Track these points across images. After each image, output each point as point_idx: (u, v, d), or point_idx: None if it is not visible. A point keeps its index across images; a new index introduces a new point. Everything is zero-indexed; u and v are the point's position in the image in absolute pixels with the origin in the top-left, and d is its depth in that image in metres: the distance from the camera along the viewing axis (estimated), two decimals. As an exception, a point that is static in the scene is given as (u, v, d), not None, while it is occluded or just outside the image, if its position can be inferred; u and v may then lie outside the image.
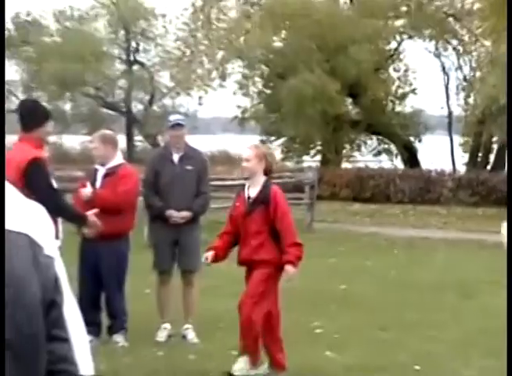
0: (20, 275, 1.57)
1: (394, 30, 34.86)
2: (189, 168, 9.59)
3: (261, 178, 8.07)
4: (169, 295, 9.77)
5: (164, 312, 9.70)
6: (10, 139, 8.17)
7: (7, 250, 1.56)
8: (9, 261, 1.56)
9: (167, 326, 9.60)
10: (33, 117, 8.14)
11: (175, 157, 9.62)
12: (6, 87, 42.62)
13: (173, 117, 10.51)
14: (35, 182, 7.84)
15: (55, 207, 7.64)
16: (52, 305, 1.63)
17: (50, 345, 1.63)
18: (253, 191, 8.08)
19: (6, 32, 42.72)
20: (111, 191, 8.65)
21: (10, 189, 1.70)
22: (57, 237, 7.61)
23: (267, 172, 8.23)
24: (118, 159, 9.02)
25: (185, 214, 9.42)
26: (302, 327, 9.95)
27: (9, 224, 1.60)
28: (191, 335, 9.54)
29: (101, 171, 9.07)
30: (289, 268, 7.75)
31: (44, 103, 35.77)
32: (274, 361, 8.00)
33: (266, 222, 7.97)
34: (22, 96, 41.54)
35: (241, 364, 7.91)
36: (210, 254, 8.00)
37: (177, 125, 9.78)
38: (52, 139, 8.28)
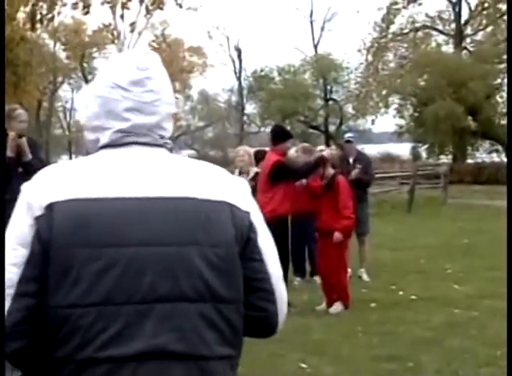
0: (221, 224, 1.65)
1: (498, 71, 35.70)
2: (358, 166, 9.69)
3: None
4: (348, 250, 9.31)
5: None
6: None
7: (213, 212, 1.66)
8: (213, 217, 1.65)
9: (349, 270, 8.95)
10: (279, 136, 8.16)
11: (350, 159, 9.83)
12: (249, 117, 47.79)
13: (346, 135, 10.94)
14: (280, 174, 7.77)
15: (301, 174, 8.02)
16: (248, 240, 1.70)
17: (249, 263, 1.70)
18: None
19: (247, 82, 46.92)
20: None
21: (219, 171, 1.78)
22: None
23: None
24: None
25: (357, 171, 9.45)
26: (437, 268, 10.12)
27: (214, 196, 1.68)
28: (364, 275, 9.59)
29: None
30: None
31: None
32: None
33: None
34: (259, 123, 45.03)
35: (338, 307, 7.73)
36: None
37: (348, 142, 10.21)
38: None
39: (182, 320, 1.60)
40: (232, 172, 8.79)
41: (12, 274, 1.59)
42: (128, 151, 1.75)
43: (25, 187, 1.67)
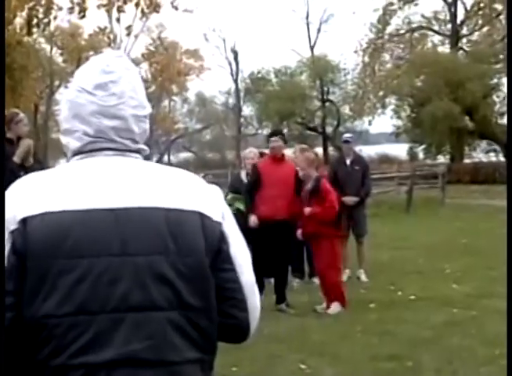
0: (191, 234, 1.67)
1: (495, 71, 35.91)
2: (356, 168, 9.69)
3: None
4: (347, 251, 9.56)
5: (345, 262, 9.30)
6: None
7: (184, 222, 1.68)
8: (184, 227, 1.67)
9: (347, 271, 9.52)
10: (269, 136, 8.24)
11: (347, 161, 9.75)
12: (246, 119, 48.04)
13: (344, 136, 10.79)
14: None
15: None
16: (219, 250, 1.71)
17: (220, 273, 1.72)
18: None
19: (244, 84, 47.12)
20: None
21: (192, 179, 1.79)
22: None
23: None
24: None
25: (355, 199, 9.46)
26: (436, 268, 10.13)
27: (186, 205, 1.69)
28: (363, 276, 9.64)
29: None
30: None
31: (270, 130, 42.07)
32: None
33: None
34: (256, 125, 45.45)
35: (336, 307, 7.71)
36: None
37: (346, 142, 10.12)
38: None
39: (152, 328, 1.64)
40: (238, 173, 9.23)
41: None
42: (98, 160, 1.75)
43: None
